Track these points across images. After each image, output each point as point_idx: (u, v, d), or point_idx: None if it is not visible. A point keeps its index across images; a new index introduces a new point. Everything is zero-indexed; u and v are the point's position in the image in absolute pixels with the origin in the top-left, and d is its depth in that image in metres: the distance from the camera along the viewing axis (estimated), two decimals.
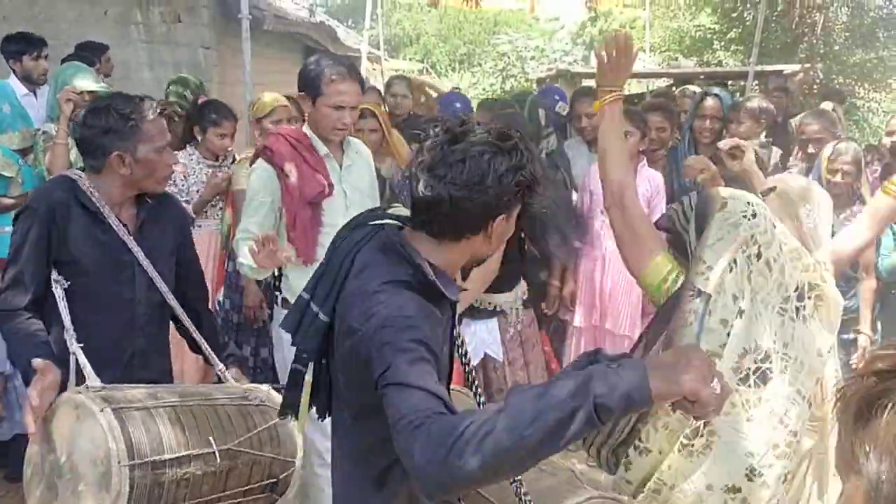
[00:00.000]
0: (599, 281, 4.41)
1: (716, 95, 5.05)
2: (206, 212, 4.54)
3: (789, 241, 2.18)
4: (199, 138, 4.55)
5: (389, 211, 1.88)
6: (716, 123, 4.87)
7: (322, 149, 3.22)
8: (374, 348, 1.56)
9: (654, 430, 1.98)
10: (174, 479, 2.13)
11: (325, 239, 2.96)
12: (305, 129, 3.28)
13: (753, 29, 8.99)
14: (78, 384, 2.28)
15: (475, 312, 3.69)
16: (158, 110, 2.60)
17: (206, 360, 2.76)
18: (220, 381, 2.69)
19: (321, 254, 2.86)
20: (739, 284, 1.98)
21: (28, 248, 2.45)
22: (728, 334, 1.94)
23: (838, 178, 3.97)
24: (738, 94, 8.67)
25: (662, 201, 4.43)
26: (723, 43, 15.36)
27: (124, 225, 2.55)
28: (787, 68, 9.74)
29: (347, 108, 3.11)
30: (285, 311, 3.21)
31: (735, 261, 1.98)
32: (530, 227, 4.34)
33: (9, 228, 2.67)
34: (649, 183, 4.39)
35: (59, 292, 2.44)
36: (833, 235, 3.97)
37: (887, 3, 15.42)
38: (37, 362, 2.23)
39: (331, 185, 3.20)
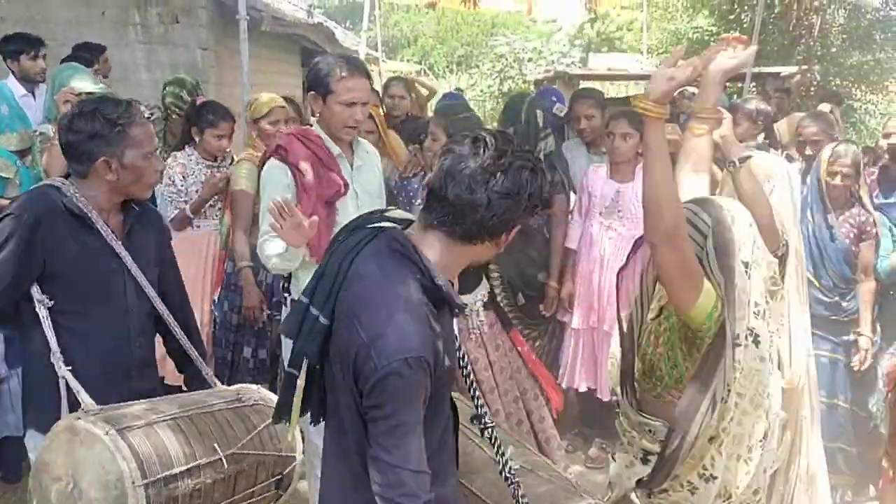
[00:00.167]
0: (597, 282, 4.41)
1: None
2: (204, 212, 4.54)
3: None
4: (197, 139, 4.55)
5: (387, 214, 1.89)
6: None
7: (334, 148, 3.17)
8: (387, 383, 1.64)
9: (719, 455, 2.11)
10: (187, 492, 2.13)
11: None
12: (316, 128, 3.24)
13: (751, 31, 8.99)
14: (71, 409, 2.27)
15: None
16: (147, 115, 2.57)
17: (178, 365, 2.75)
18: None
19: None
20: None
21: (3, 254, 2.35)
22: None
23: (837, 180, 3.97)
24: (735, 95, 8.68)
25: None
26: None
27: (112, 232, 2.50)
28: (785, 70, 9.75)
29: (359, 105, 3.07)
30: None
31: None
32: (528, 228, 4.39)
33: None
34: None
35: (42, 312, 2.37)
36: (832, 236, 3.99)
37: (884, 5, 15.44)
38: None
39: (346, 185, 3.16)
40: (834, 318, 4.07)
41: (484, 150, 1.73)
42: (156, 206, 4.67)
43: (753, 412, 2.15)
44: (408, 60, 22.05)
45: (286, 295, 3.34)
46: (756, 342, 2.10)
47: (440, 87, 14.56)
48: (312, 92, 3.13)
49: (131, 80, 7.08)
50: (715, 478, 2.13)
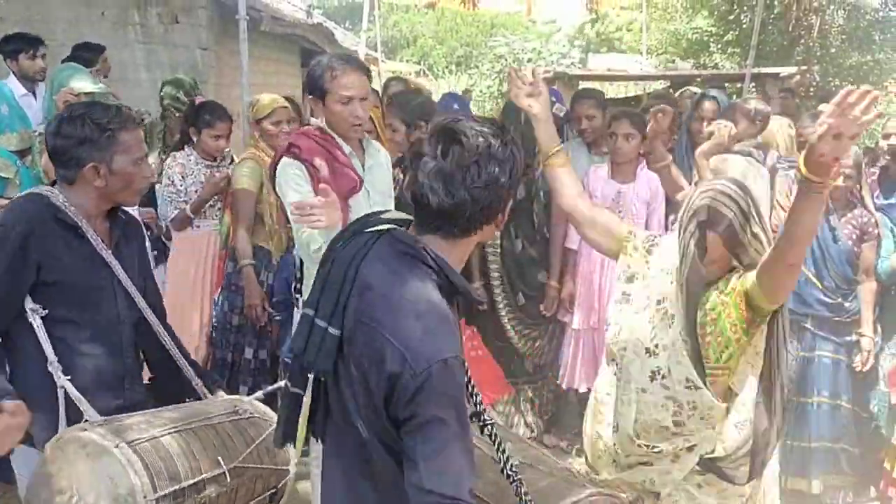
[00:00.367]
0: (598, 283, 4.41)
1: (713, 98, 5.05)
2: (204, 212, 4.54)
3: None
4: (195, 139, 4.55)
5: (384, 216, 1.84)
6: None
7: (346, 147, 3.14)
8: (427, 386, 1.58)
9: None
10: None
11: None
12: (326, 128, 3.20)
13: (750, 31, 9.01)
14: (69, 419, 2.24)
15: None
16: (137, 120, 2.54)
17: (159, 378, 2.72)
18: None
19: None
20: None
21: None
22: None
23: (840, 181, 3.97)
24: (734, 96, 8.69)
25: (662, 204, 4.43)
26: (719, 45, 15.38)
27: (101, 240, 2.45)
28: (784, 71, 9.75)
29: (357, 100, 3.02)
30: None
31: None
32: (528, 228, 4.40)
33: None
34: (648, 185, 4.39)
35: (36, 322, 2.33)
36: (835, 237, 3.99)
37: (883, 6, 15.44)
38: (8, 405, 2.06)
39: (361, 181, 3.12)
40: (836, 318, 4.07)
41: (449, 147, 1.68)
42: (156, 207, 4.70)
43: None
44: (407, 61, 22.07)
45: (298, 296, 3.31)
46: None
47: (439, 89, 14.58)
48: (311, 96, 3.11)
49: (131, 80, 7.08)
50: None
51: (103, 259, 2.43)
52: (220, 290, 4.51)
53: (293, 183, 3.04)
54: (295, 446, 1.89)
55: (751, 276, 2.44)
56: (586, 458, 2.87)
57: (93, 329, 2.43)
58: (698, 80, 9.82)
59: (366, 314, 1.67)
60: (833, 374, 4.09)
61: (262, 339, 4.44)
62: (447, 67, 22.93)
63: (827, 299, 4.05)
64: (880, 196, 4.54)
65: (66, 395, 2.31)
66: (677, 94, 6.36)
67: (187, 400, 2.64)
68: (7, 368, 2.33)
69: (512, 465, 1.90)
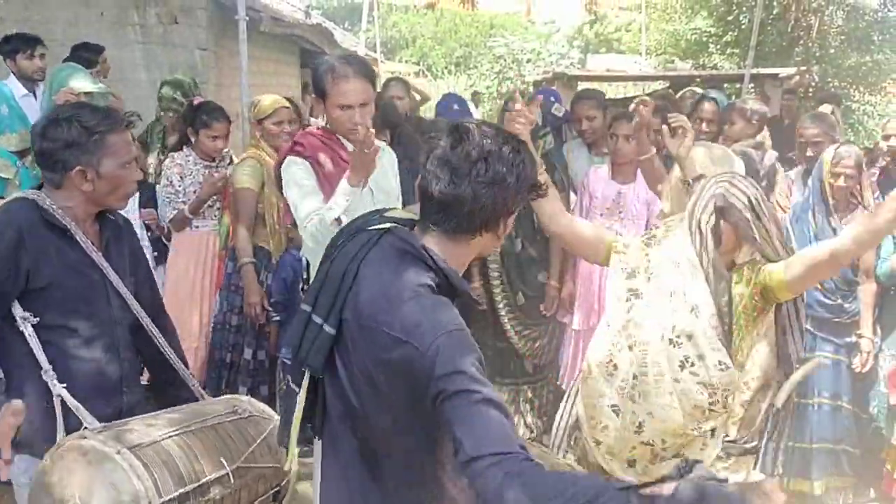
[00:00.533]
0: (598, 283, 4.40)
1: (712, 99, 5.05)
2: (203, 212, 4.54)
3: None
4: (193, 140, 4.55)
5: (386, 214, 1.83)
6: (712, 126, 4.88)
7: (349, 146, 3.12)
8: (440, 360, 1.55)
9: None
10: None
11: None
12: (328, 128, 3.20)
13: (749, 32, 9.02)
14: (67, 427, 2.22)
15: None
16: (126, 122, 2.46)
17: (156, 377, 2.70)
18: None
19: None
20: None
21: None
22: None
23: (841, 181, 3.97)
24: (733, 96, 8.70)
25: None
26: (718, 46, 15.40)
27: (91, 243, 2.41)
28: (783, 71, 9.77)
29: (356, 107, 2.99)
30: None
31: None
32: (528, 228, 4.39)
33: None
34: (647, 186, 4.38)
35: (28, 330, 2.29)
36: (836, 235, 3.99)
37: (882, 6, 15.47)
38: (18, 403, 2.06)
39: (366, 178, 3.10)
40: (836, 320, 4.06)
41: (465, 141, 1.68)
42: (157, 208, 4.69)
43: None
44: (406, 61, 22.05)
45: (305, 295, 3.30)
46: None
47: (438, 89, 14.58)
48: (314, 95, 3.11)
49: (130, 80, 7.06)
50: None
51: (94, 262, 2.39)
52: (219, 290, 4.50)
53: (298, 179, 3.04)
54: (288, 443, 1.87)
55: (774, 271, 2.55)
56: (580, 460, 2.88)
57: (87, 333, 2.39)
58: (697, 80, 9.83)
59: (368, 317, 1.66)
60: (833, 375, 4.09)
61: (261, 339, 4.43)
62: (446, 68, 22.91)
63: (827, 300, 4.04)
64: (880, 197, 4.54)
65: (63, 402, 2.28)
66: (678, 94, 6.36)
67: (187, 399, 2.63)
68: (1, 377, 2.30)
69: None
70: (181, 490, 2.05)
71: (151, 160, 5.20)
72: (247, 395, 4.27)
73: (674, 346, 2.59)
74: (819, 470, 4.08)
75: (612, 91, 15.90)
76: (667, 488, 1.37)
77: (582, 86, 9.36)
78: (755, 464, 2.86)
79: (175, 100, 5.14)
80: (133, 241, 2.68)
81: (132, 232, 2.71)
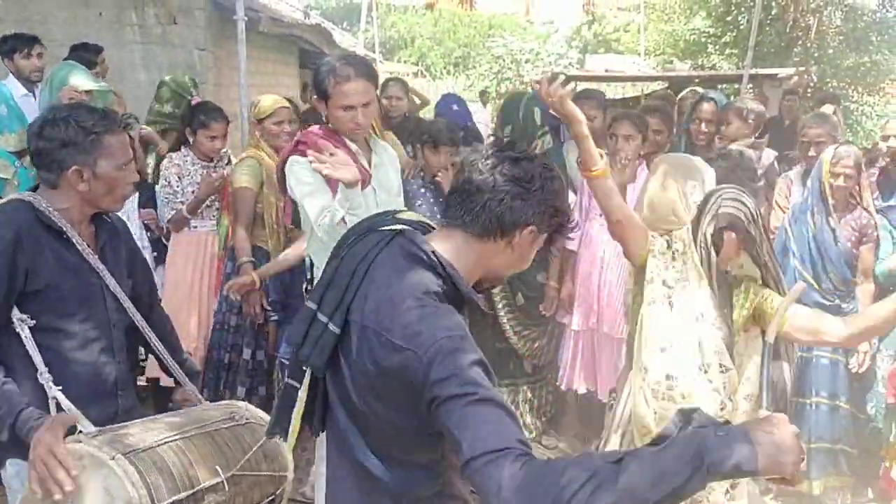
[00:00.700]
0: (597, 283, 4.40)
1: (711, 99, 5.05)
2: (201, 212, 4.53)
3: None
4: (191, 140, 4.54)
5: (399, 216, 1.81)
6: (711, 127, 4.88)
7: (352, 146, 3.12)
8: (436, 365, 1.53)
9: None
10: None
11: None
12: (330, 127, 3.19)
13: (748, 32, 9.03)
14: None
15: None
16: (123, 124, 2.48)
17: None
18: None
19: None
20: None
21: None
22: None
23: (840, 181, 3.97)
24: (731, 97, 8.70)
25: None
26: (717, 46, 15.42)
27: (87, 245, 2.39)
28: (782, 72, 9.79)
29: (358, 108, 3.00)
30: None
31: None
32: None
33: None
34: None
35: (24, 332, 2.26)
36: (835, 238, 3.99)
37: (881, 7, 15.50)
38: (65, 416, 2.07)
39: (369, 175, 3.10)
40: None
41: (508, 148, 1.73)
42: (156, 208, 4.69)
43: None
44: (405, 62, 22.05)
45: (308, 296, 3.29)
46: None
47: (437, 89, 14.58)
48: (315, 97, 3.12)
49: (128, 80, 7.06)
50: None
51: (90, 264, 2.38)
52: (218, 290, 4.50)
53: (304, 179, 3.04)
54: (286, 439, 1.86)
55: (778, 305, 2.68)
56: None
57: (83, 336, 2.37)
58: (696, 80, 9.84)
59: (373, 321, 1.64)
60: (831, 375, 4.09)
61: (259, 339, 4.43)
62: (445, 68, 22.91)
63: (825, 302, 4.04)
64: (879, 198, 4.55)
65: (59, 405, 2.25)
66: (679, 96, 6.37)
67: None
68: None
69: None
70: (175, 497, 2.03)
71: (150, 160, 5.20)
72: (245, 395, 4.29)
73: (693, 355, 2.77)
74: (817, 470, 4.08)
75: (611, 91, 15.91)
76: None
77: (581, 86, 9.36)
78: None
79: (160, 113, 5.15)
80: (129, 241, 2.67)
81: (128, 233, 2.70)
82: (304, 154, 3.05)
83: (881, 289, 4.19)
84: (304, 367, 1.78)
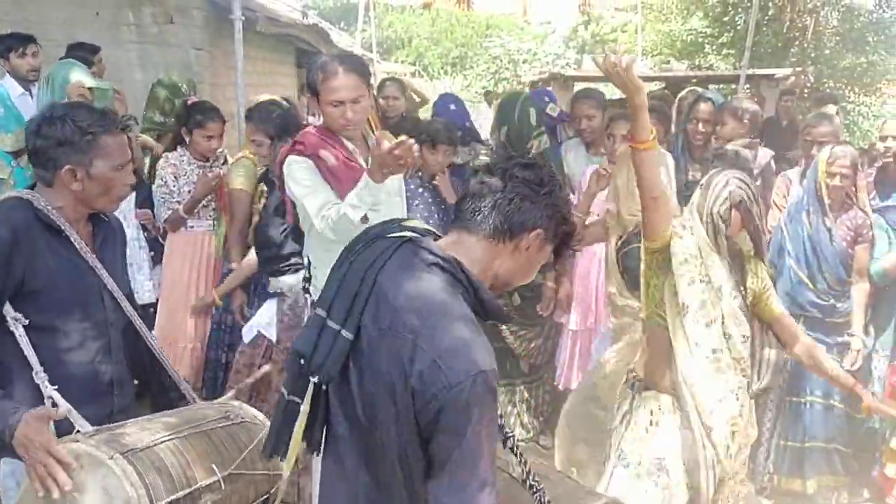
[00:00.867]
0: (595, 283, 4.40)
1: (708, 99, 5.05)
2: (198, 212, 4.53)
3: None
4: (187, 140, 4.54)
5: (405, 224, 1.80)
6: (708, 127, 4.88)
7: (349, 144, 3.13)
8: (459, 403, 1.55)
9: None
10: None
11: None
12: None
13: (745, 33, 9.06)
14: (58, 429, 2.16)
15: (265, 295, 3.97)
16: (120, 126, 2.41)
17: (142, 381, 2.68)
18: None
19: None
20: None
21: None
22: None
23: (836, 181, 3.98)
24: (729, 97, 8.71)
25: None
26: (714, 47, 15.43)
27: (84, 244, 2.38)
28: (779, 72, 9.79)
29: (347, 104, 3.00)
30: None
31: None
32: None
33: None
34: None
35: (19, 331, 2.25)
36: (831, 238, 4.00)
37: (877, 7, 15.51)
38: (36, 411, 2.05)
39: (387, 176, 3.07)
40: (829, 320, 4.07)
41: (518, 156, 1.82)
42: (153, 208, 4.68)
43: None
44: (402, 62, 22.02)
45: (307, 296, 3.29)
46: None
47: (435, 90, 14.57)
48: (309, 94, 3.13)
49: (125, 80, 7.04)
50: None
51: (88, 263, 2.37)
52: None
53: (303, 177, 3.04)
54: (285, 458, 1.81)
55: (772, 299, 3.09)
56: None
57: (79, 335, 2.36)
58: (693, 81, 9.84)
59: (392, 322, 1.62)
60: None
61: None
62: (442, 68, 22.88)
63: (820, 301, 4.05)
64: (877, 197, 4.55)
65: (54, 404, 2.24)
66: (678, 97, 6.37)
67: (177, 404, 2.61)
68: None
69: (534, 476, 1.89)
70: (172, 496, 2.02)
71: (147, 160, 5.19)
72: None
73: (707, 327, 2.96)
74: (811, 469, 4.09)
75: (608, 92, 15.92)
76: None
77: (578, 86, 9.36)
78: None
79: (151, 120, 5.17)
80: (124, 243, 2.67)
81: (123, 235, 2.70)
82: (301, 154, 3.05)
83: (876, 288, 4.20)
84: (315, 378, 1.71)
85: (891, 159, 4.59)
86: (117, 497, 1.96)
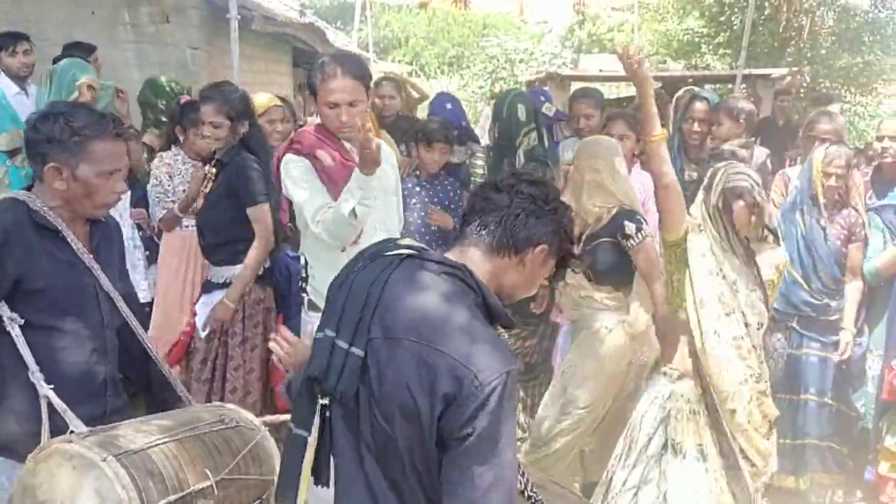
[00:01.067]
0: None
1: (704, 98, 5.06)
2: (192, 211, 4.51)
3: None
4: (182, 139, 4.53)
5: (400, 243, 1.81)
6: (703, 126, 4.88)
7: (346, 144, 3.13)
8: (485, 402, 1.57)
9: None
10: None
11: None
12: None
13: (741, 32, 9.05)
14: (52, 429, 2.19)
15: (209, 285, 3.91)
16: (117, 132, 2.38)
17: (136, 383, 2.70)
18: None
19: (362, 240, 2.81)
20: None
21: None
22: None
23: (832, 181, 3.99)
24: (724, 97, 8.72)
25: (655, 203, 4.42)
26: (711, 46, 15.42)
27: (81, 244, 2.39)
28: (775, 72, 9.81)
29: (343, 106, 2.99)
30: (312, 314, 3.09)
31: None
32: None
33: None
34: (642, 185, 4.39)
35: (15, 331, 2.26)
36: (826, 237, 4.01)
37: (873, 7, 15.52)
38: None
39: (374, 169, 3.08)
40: (823, 318, 4.08)
41: (523, 173, 1.85)
42: (147, 208, 4.68)
43: None
44: (399, 61, 21.98)
45: (303, 295, 3.29)
46: None
47: (431, 89, 14.56)
48: (308, 92, 3.14)
49: (122, 79, 7.02)
50: None
51: (84, 264, 2.37)
52: None
53: (299, 177, 3.03)
54: (296, 502, 1.75)
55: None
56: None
57: (76, 335, 2.37)
58: (689, 80, 9.85)
59: (405, 332, 1.62)
60: (820, 372, 4.11)
61: None
62: (439, 68, 22.86)
63: (813, 300, 4.06)
64: (873, 196, 4.56)
65: (50, 404, 2.25)
66: (675, 96, 6.38)
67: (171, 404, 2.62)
68: None
69: (532, 486, 1.90)
70: (165, 500, 2.03)
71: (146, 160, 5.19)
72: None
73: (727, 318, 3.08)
74: (805, 466, 4.10)
75: (605, 91, 15.92)
76: None
77: (575, 86, 9.38)
78: None
79: (155, 102, 5.17)
80: (121, 243, 2.67)
81: (121, 235, 2.70)
82: (298, 153, 3.05)
83: (870, 287, 4.21)
84: (330, 397, 1.69)
85: (887, 159, 4.59)
86: (109, 500, 1.97)
